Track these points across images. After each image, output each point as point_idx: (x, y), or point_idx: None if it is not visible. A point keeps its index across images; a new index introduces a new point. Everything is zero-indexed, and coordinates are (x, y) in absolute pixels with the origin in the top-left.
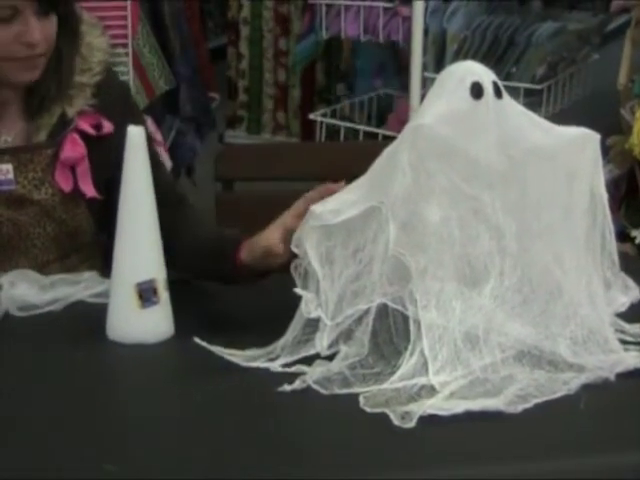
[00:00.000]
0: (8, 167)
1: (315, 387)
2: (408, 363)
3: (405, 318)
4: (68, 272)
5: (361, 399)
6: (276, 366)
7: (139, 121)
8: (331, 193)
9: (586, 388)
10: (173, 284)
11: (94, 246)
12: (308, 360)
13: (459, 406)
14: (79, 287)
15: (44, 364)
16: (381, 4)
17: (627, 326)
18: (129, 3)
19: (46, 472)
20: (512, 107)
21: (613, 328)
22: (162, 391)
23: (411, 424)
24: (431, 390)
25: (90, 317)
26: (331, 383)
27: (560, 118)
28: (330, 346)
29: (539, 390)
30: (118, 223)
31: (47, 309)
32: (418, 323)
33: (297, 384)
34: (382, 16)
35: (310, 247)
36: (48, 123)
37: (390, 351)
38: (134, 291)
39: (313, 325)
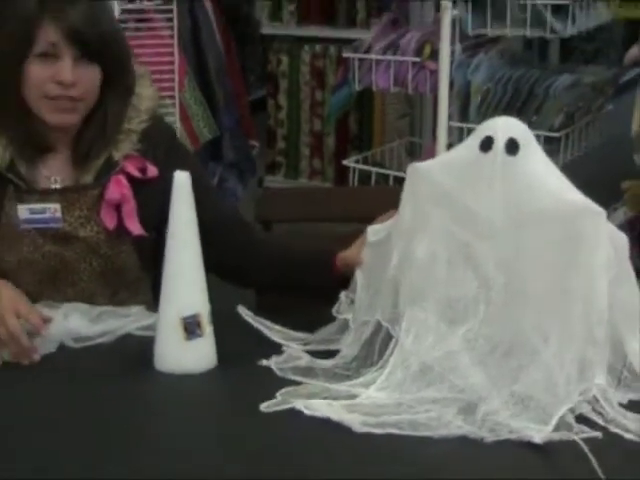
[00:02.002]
0: (56, 206)
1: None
2: (368, 375)
3: (391, 338)
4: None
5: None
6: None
7: (187, 163)
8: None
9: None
10: (216, 317)
11: (142, 282)
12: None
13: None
14: (128, 320)
15: (96, 393)
16: (410, 59)
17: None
18: (177, 58)
19: None
20: (527, 165)
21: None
22: (203, 420)
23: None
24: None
25: (138, 349)
26: (294, 371)
27: (577, 164)
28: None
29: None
30: (165, 261)
31: (98, 341)
32: (396, 344)
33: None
34: (411, 69)
35: (362, 261)
36: (95, 166)
37: (367, 361)
38: (180, 325)
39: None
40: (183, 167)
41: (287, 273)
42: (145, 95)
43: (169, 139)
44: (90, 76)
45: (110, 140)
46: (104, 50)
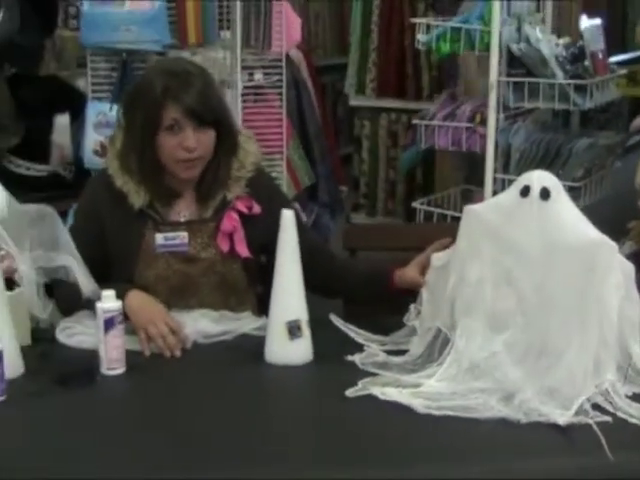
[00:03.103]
0: (184, 235)
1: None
2: (429, 369)
3: (448, 341)
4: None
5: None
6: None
7: (283, 203)
8: (445, 245)
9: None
10: (313, 323)
11: (248, 294)
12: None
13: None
14: (242, 322)
15: (220, 379)
16: (464, 124)
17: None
18: (284, 123)
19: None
20: (556, 208)
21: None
22: (301, 402)
23: (387, 397)
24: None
25: (252, 345)
26: (373, 365)
27: (594, 208)
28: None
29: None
30: (275, 279)
31: (221, 338)
32: (452, 345)
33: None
34: (465, 133)
35: (426, 281)
36: (213, 204)
37: (429, 359)
38: (285, 327)
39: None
40: (280, 206)
41: (357, 287)
42: (250, 151)
43: (269, 185)
44: (207, 139)
45: (222, 184)
46: (214, 119)
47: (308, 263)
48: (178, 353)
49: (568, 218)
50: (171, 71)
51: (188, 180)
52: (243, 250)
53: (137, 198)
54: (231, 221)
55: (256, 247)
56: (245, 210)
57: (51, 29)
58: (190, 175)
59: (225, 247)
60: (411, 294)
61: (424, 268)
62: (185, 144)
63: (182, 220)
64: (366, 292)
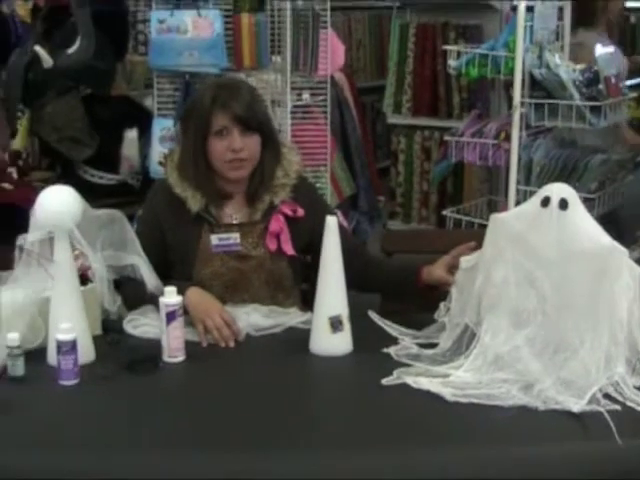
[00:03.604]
0: (236, 235)
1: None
2: (457, 361)
3: (474, 336)
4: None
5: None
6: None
7: (324, 209)
8: (469, 248)
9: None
10: (353, 318)
11: (293, 289)
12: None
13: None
14: (290, 317)
15: (271, 367)
16: (490, 141)
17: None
18: (329, 139)
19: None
20: (574, 218)
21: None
22: (340, 389)
23: (419, 386)
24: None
25: (299, 337)
26: (407, 357)
27: (607, 217)
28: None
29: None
30: (319, 277)
31: (271, 331)
32: (478, 340)
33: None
34: (491, 149)
35: (455, 281)
36: (261, 208)
37: (457, 351)
38: (327, 322)
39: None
40: (320, 210)
41: (389, 283)
42: (294, 161)
43: (311, 191)
44: (252, 142)
45: (269, 188)
46: (258, 125)
47: (345, 262)
48: (232, 344)
49: (584, 226)
50: (220, 84)
51: (237, 180)
52: (289, 249)
53: (194, 203)
54: (278, 223)
55: (300, 247)
56: (290, 213)
57: (122, 54)
58: (238, 175)
59: (273, 246)
60: (436, 290)
61: (449, 267)
62: (232, 146)
63: (234, 222)
64: (397, 288)
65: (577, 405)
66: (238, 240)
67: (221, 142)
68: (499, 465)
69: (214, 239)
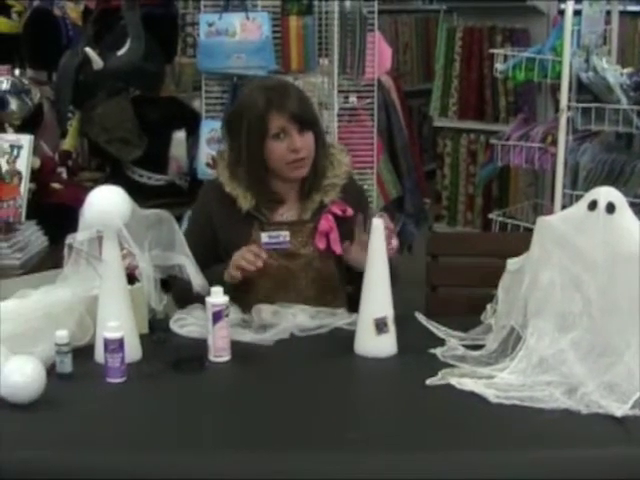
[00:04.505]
0: (286, 234)
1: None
2: (503, 363)
3: (520, 338)
4: (324, 307)
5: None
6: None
7: (367, 209)
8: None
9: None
10: (398, 319)
11: (340, 289)
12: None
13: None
14: (336, 318)
15: (316, 367)
16: (536, 145)
17: None
18: (375, 141)
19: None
20: (620, 221)
21: None
22: (385, 390)
23: (463, 387)
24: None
25: (344, 338)
26: (452, 358)
27: None
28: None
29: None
30: (365, 280)
31: (317, 332)
32: (524, 342)
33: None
34: (537, 153)
35: (501, 282)
36: (311, 207)
37: (503, 353)
38: (373, 323)
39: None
40: (366, 211)
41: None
42: (343, 162)
43: (359, 192)
44: (309, 140)
45: (319, 188)
46: (313, 121)
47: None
48: (260, 264)
49: (630, 230)
50: (269, 86)
51: (297, 180)
52: (338, 248)
53: (245, 202)
54: (327, 222)
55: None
56: (340, 213)
57: (171, 57)
58: (299, 175)
59: (322, 245)
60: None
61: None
62: (293, 147)
63: (284, 221)
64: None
65: (620, 410)
66: (288, 238)
67: (280, 144)
68: (538, 468)
69: (264, 237)
